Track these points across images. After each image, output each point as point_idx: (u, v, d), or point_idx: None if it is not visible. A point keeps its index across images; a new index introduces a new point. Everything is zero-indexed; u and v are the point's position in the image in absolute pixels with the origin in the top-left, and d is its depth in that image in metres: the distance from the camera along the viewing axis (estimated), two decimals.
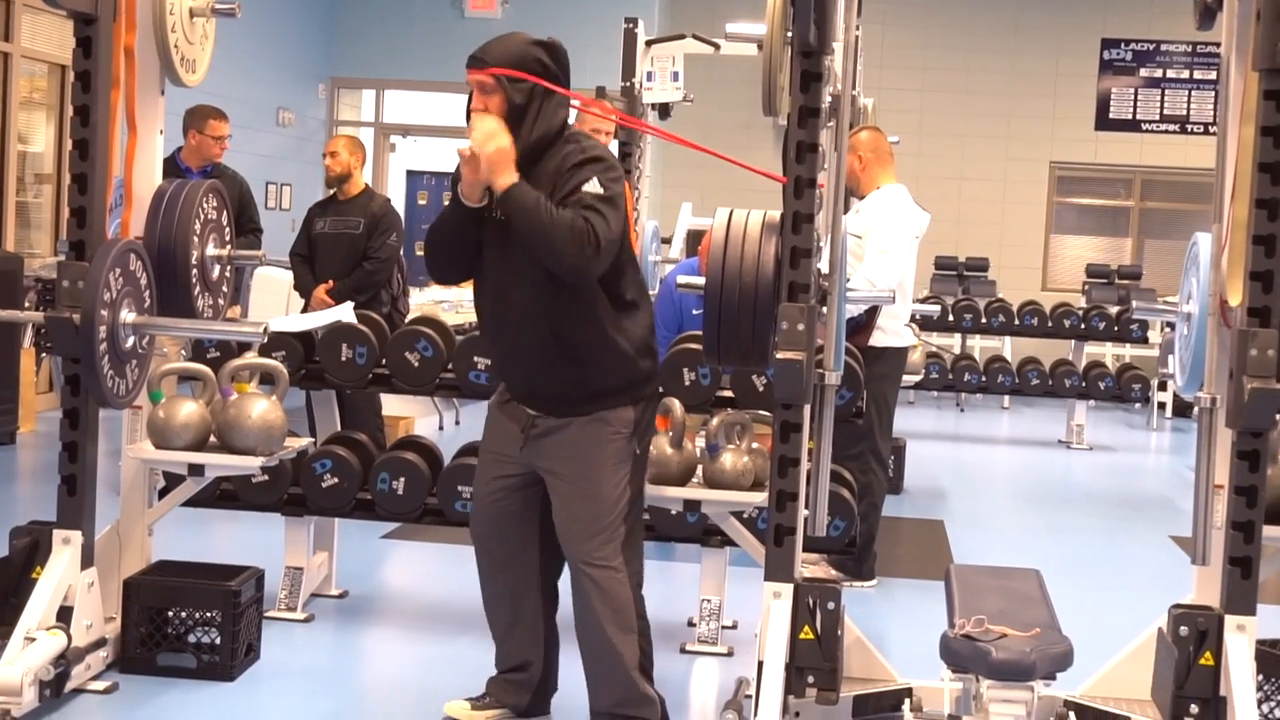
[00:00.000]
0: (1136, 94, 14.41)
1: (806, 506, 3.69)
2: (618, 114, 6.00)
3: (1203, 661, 3.53)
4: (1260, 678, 3.75)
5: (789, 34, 3.55)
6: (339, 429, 5.55)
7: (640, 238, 7.21)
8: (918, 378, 9.18)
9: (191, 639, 4.28)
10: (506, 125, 3.55)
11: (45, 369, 9.14)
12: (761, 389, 4.55)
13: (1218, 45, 3.74)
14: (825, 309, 3.62)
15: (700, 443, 4.29)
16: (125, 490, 4.40)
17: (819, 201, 3.58)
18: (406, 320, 6.29)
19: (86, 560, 4.00)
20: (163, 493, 4.56)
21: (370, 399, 6.74)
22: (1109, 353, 12.82)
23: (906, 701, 3.86)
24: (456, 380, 4.84)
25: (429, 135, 14.87)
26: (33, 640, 3.76)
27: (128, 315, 3.90)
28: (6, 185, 9.42)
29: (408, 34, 13.78)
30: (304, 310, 6.93)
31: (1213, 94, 14.05)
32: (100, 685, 4.05)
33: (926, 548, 6.76)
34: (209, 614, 4.26)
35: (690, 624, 4.95)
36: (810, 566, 5.50)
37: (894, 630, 5.13)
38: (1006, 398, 12.41)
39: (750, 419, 4.30)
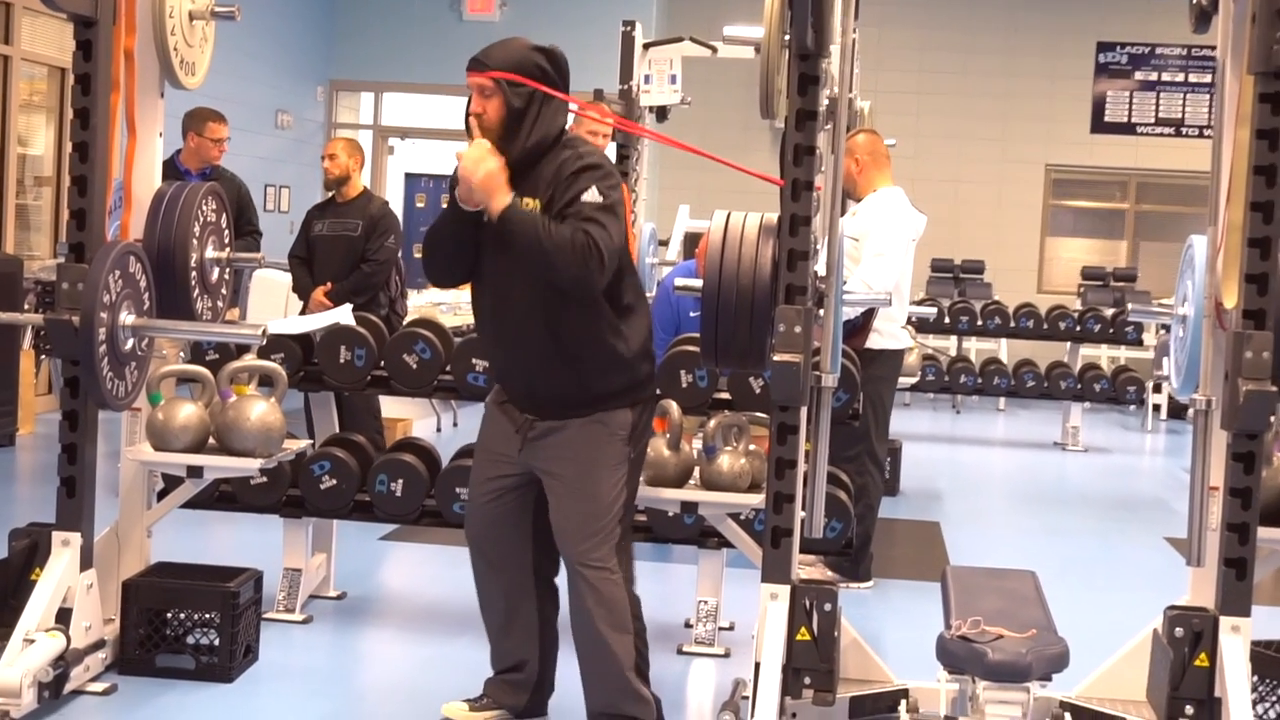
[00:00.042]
0: (1132, 97, 14.44)
1: (803, 508, 3.70)
2: (615, 118, 6.02)
3: (1198, 663, 3.54)
4: (1255, 678, 3.76)
5: (786, 37, 3.56)
6: (337, 431, 5.56)
7: (638, 240, 7.22)
8: (914, 380, 9.20)
9: (190, 640, 4.29)
10: (505, 128, 3.57)
11: (44, 371, 9.14)
12: (758, 391, 4.56)
13: (1213, 49, 3.76)
14: (822, 311, 3.63)
15: (697, 444, 4.30)
16: (124, 492, 4.40)
17: (816, 204, 3.59)
18: (405, 322, 6.29)
19: (85, 562, 4.01)
20: (161, 494, 4.57)
21: (369, 401, 6.74)
22: (1104, 355, 12.84)
23: (903, 702, 3.86)
24: (454, 382, 4.85)
25: (427, 138, 14.88)
26: (32, 642, 3.77)
27: (127, 317, 3.91)
28: (6, 188, 9.43)
29: (406, 37, 13.79)
30: (302, 312, 6.94)
31: (1207, 97, 14.08)
32: (99, 687, 4.06)
33: (922, 549, 6.77)
34: (208, 615, 4.27)
35: (687, 625, 4.97)
36: (807, 568, 5.51)
37: (890, 631, 5.14)
38: (1002, 399, 12.42)
39: (747, 421, 4.31)
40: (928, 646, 3.63)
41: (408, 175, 15.67)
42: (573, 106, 3.80)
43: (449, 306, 9.24)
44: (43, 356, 8.87)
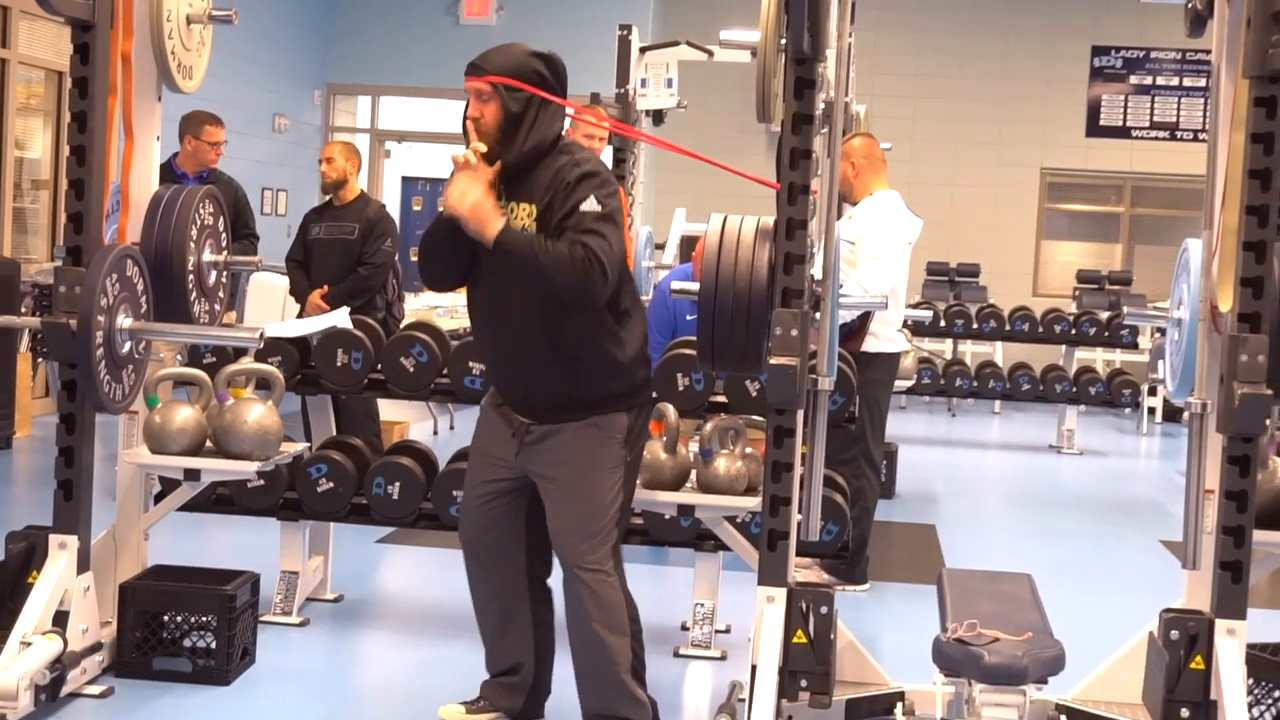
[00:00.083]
0: (1127, 101, 14.47)
1: (800, 511, 3.71)
2: (611, 122, 6.02)
3: (1193, 665, 3.55)
4: (1250, 681, 3.77)
5: (783, 41, 3.57)
6: (334, 434, 5.56)
7: (634, 243, 7.23)
8: (910, 383, 9.21)
9: (187, 643, 4.29)
10: (502, 132, 3.58)
11: (41, 374, 9.14)
12: (755, 394, 4.57)
13: (1207, 53, 3.77)
14: (818, 314, 3.64)
15: (694, 448, 4.31)
16: (121, 495, 4.41)
17: (812, 207, 3.60)
18: (402, 325, 6.30)
19: (82, 565, 4.01)
20: (158, 497, 4.57)
21: (366, 404, 6.75)
22: (1099, 358, 12.85)
23: (899, 705, 3.87)
24: (451, 385, 4.85)
25: (424, 141, 14.89)
26: (29, 645, 3.77)
27: (124, 320, 3.91)
28: (4, 191, 9.43)
29: (403, 40, 13.80)
30: (299, 315, 6.94)
31: (1202, 101, 14.11)
32: (96, 689, 4.06)
33: (918, 552, 6.78)
34: (204, 618, 4.27)
35: (684, 628, 4.97)
36: (803, 571, 5.52)
37: (886, 634, 5.15)
38: (997, 403, 12.43)
39: (744, 424, 4.32)
40: (924, 649, 3.64)
41: (404, 179, 15.68)
42: (569, 111, 3.81)
43: (446, 310, 9.24)
44: (40, 359, 8.86)
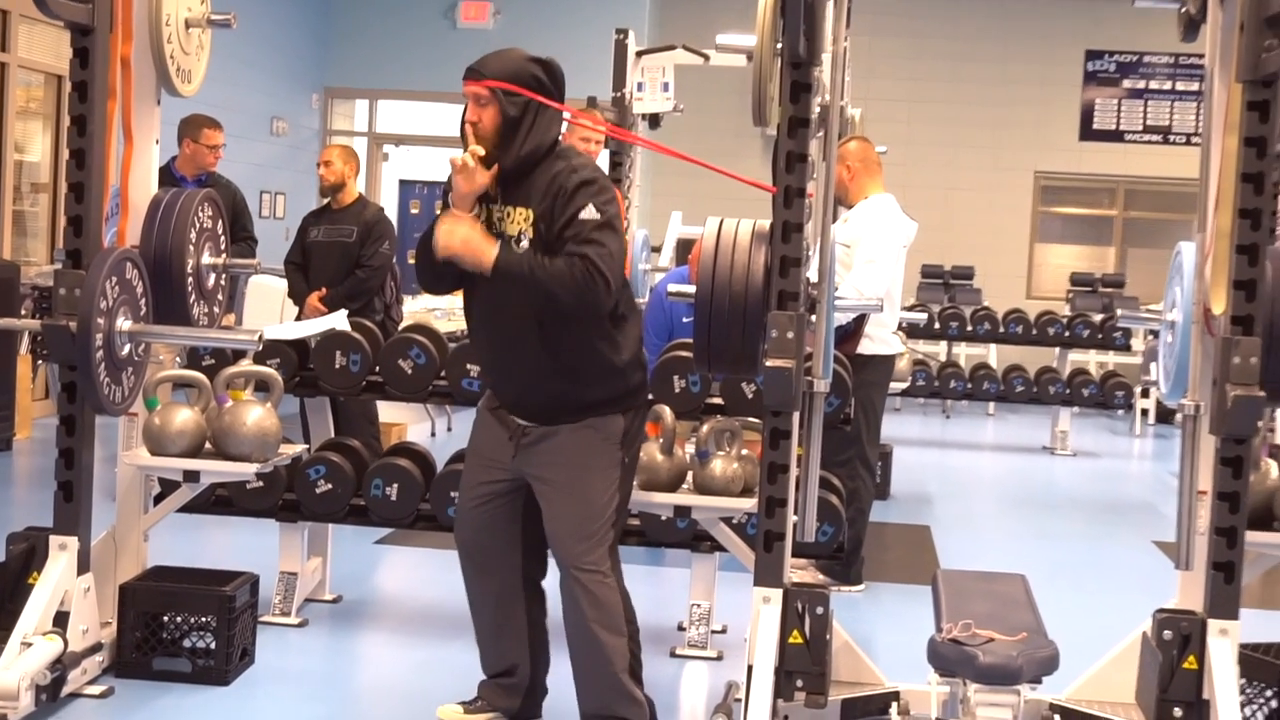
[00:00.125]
0: (1120, 105, 14.49)
1: (795, 512, 3.72)
2: (608, 125, 6.04)
3: (1186, 665, 3.57)
4: (1243, 681, 3.79)
5: (778, 45, 3.59)
6: (333, 436, 5.58)
7: (631, 246, 7.25)
8: (904, 385, 9.24)
9: (186, 644, 4.30)
10: (500, 136, 3.59)
11: (41, 376, 9.15)
12: (751, 396, 4.59)
13: (1200, 57, 3.79)
14: (814, 317, 3.65)
15: (690, 449, 4.32)
16: (121, 496, 4.42)
17: (808, 211, 3.62)
18: (399, 328, 6.31)
19: (82, 566, 4.03)
20: (158, 499, 4.58)
21: (364, 406, 6.76)
22: (1093, 360, 12.88)
23: (894, 705, 3.89)
24: (449, 387, 4.87)
25: (422, 145, 14.89)
26: (29, 645, 3.78)
27: (124, 323, 3.93)
28: (3, 194, 9.43)
29: (401, 44, 13.81)
30: (298, 318, 6.96)
31: (1195, 105, 14.14)
32: (96, 690, 4.08)
33: (913, 553, 6.80)
34: (204, 619, 4.29)
35: (680, 628, 4.99)
36: (799, 571, 5.53)
37: (882, 634, 5.17)
38: (992, 404, 12.44)
39: (740, 426, 4.33)
40: (919, 649, 3.66)
41: (402, 182, 15.69)
42: (566, 115, 3.83)
43: (443, 312, 9.25)
44: (40, 362, 8.87)
